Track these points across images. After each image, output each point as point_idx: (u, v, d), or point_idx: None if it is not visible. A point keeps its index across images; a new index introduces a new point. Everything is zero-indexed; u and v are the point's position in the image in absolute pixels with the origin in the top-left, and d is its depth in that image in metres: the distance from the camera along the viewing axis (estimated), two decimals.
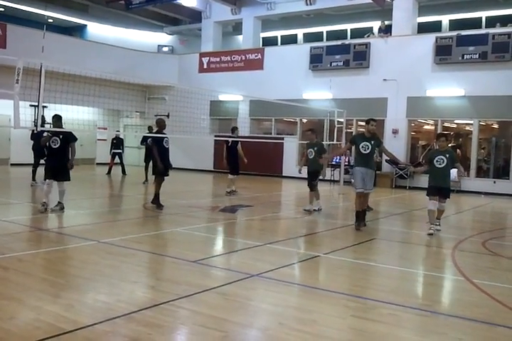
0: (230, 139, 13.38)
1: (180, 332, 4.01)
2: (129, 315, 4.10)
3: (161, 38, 26.58)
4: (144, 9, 22.23)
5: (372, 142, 8.77)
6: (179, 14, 24.66)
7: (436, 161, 8.47)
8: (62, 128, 9.35)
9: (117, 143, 18.78)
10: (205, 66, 23.01)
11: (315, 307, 4.62)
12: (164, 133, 10.38)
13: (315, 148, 11.04)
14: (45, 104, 9.41)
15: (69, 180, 9.43)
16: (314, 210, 10.92)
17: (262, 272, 5.58)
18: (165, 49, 26.28)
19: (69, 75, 13.32)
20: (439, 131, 17.33)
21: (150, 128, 15.58)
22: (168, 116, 19.96)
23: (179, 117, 15.52)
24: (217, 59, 22.68)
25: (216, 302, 4.56)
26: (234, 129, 13.95)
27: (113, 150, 18.73)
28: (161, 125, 10.38)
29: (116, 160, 18.68)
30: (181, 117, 15.60)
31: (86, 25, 25.83)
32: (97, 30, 25.71)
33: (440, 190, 8.54)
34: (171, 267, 5.91)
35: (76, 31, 25.62)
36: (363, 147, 8.76)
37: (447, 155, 8.49)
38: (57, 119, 9.27)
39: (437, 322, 4.48)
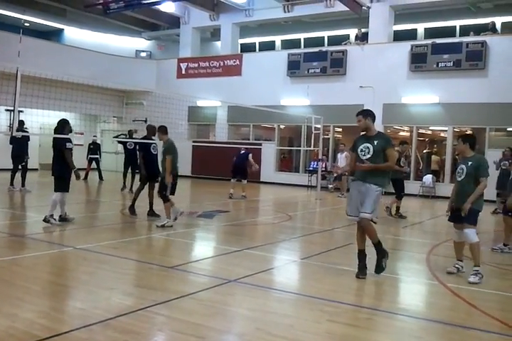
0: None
1: (157, 339, 4.00)
2: (105, 321, 4.08)
3: (139, 43, 26.50)
4: (122, 14, 22.15)
5: (376, 142, 6.04)
6: (157, 19, 24.63)
7: (457, 172, 6.36)
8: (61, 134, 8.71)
9: (94, 148, 18.63)
10: (183, 72, 23.01)
11: (292, 312, 4.66)
12: (153, 140, 10.34)
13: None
14: (21, 109, 9.25)
15: (57, 190, 8.67)
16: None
17: (240, 277, 5.60)
18: (143, 54, 26.21)
19: (45, 80, 13.20)
20: (414, 138, 17.63)
21: (130, 133, 15.47)
22: (145, 121, 19.91)
23: (157, 123, 15.37)
24: (196, 65, 22.70)
25: (193, 308, 4.56)
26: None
27: (90, 156, 18.57)
28: (150, 131, 10.33)
29: (93, 165, 18.52)
30: (159, 123, 15.46)
31: (63, 29, 25.61)
32: (74, 34, 25.51)
33: (457, 211, 6.23)
34: (148, 273, 5.89)
35: (53, 36, 25.37)
36: (362, 151, 6.13)
37: (470, 163, 6.19)
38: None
39: (412, 326, 4.55)
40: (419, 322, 4.59)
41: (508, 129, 17.48)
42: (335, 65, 18.96)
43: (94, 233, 8.34)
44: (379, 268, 5.98)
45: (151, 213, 10.01)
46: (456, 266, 6.30)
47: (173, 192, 9.09)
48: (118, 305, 4.57)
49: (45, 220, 8.55)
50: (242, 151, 14.60)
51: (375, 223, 5.98)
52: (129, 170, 14.93)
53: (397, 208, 11.47)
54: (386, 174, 6.17)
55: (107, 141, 23.15)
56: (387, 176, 6.21)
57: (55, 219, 8.62)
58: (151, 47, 26.77)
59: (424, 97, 17.19)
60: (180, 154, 21.85)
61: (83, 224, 8.87)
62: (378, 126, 18.00)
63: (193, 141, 21.00)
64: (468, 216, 6.02)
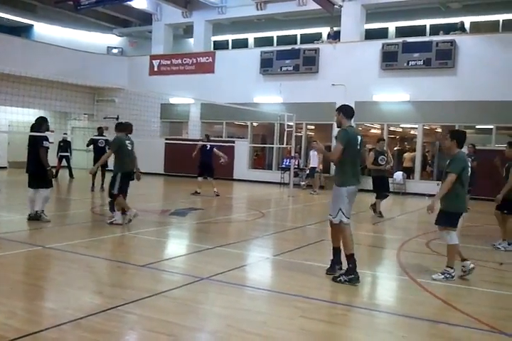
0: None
1: (129, 338, 3.98)
2: (75, 321, 4.03)
3: (111, 39, 26.17)
4: (93, 10, 21.82)
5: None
6: (129, 16, 24.36)
7: (468, 170, 6.00)
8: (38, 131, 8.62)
9: (64, 145, 18.33)
10: (155, 68, 22.82)
11: (264, 309, 4.68)
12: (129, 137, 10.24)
13: None
14: None
15: (32, 187, 8.68)
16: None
17: (212, 275, 5.59)
18: (114, 51, 25.89)
19: (14, 76, 12.96)
20: (385, 135, 17.82)
21: (100, 130, 15.26)
22: (117, 118, 19.68)
23: (129, 120, 15.30)
24: (168, 62, 22.55)
25: (165, 307, 4.54)
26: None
27: (60, 153, 18.27)
28: (128, 129, 10.21)
29: (64, 163, 18.24)
30: (131, 120, 15.33)
31: (33, 25, 25.10)
32: (44, 30, 25.02)
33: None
34: (119, 272, 5.83)
35: (23, 31, 24.81)
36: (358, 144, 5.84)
37: (448, 161, 6.05)
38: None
39: (383, 321, 4.62)
40: (390, 317, 4.66)
41: (477, 127, 17.85)
42: (307, 63, 19.05)
43: (65, 232, 8.22)
44: (336, 277, 5.65)
45: (123, 211, 9.90)
46: (461, 268, 5.99)
47: (121, 191, 8.80)
48: (88, 305, 4.52)
49: (36, 217, 8.61)
50: (207, 147, 14.44)
51: (341, 222, 5.74)
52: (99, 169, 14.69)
53: (373, 205, 11.40)
54: (342, 172, 5.78)
55: (77, 138, 22.84)
56: (343, 174, 5.75)
57: (46, 215, 8.69)
58: (122, 44, 26.47)
59: (395, 95, 17.41)
60: (153, 152, 21.87)
61: (53, 223, 8.72)
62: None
63: (166, 139, 20.87)
64: (437, 217, 5.98)
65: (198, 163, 14.50)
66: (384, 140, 12.43)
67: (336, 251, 6.01)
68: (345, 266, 5.72)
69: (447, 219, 5.92)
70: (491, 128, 16.54)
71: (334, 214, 5.77)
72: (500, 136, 16.80)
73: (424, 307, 4.86)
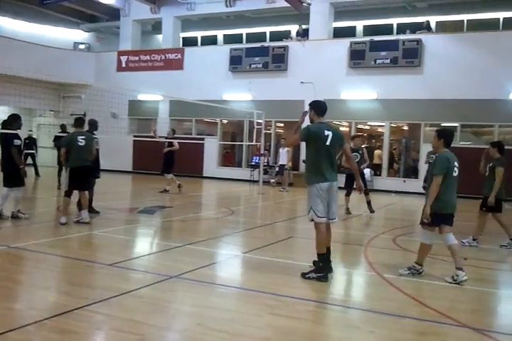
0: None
1: (96, 338, 3.93)
2: (41, 321, 3.96)
3: (77, 35, 25.72)
4: (60, 5, 21.43)
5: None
6: (96, 11, 24.00)
7: (455, 170, 5.80)
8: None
9: (30, 143, 17.95)
10: (123, 65, 22.55)
11: (233, 307, 4.68)
12: (94, 134, 10.09)
13: None
14: None
15: (11, 186, 8.56)
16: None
17: (181, 273, 5.57)
18: (81, 46, 25.44)
19: None
20: (353, 133, 18.00)
21: (63, 127, 14.95)
22: (84, 115, 19.36)
23: (96, 117, 15.08)
24: (136, 58, 22.31)
25: (133, 306, 4.50)
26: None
27: (25, 151, 17.86)
28: (92, 126, 10.08)
29: (29, 160, 17.86)
30: (99, 117, 15.16)
31: None
32: (8, 25, 24.39)
33: (452, 215, 5.89)
34: (86, 271, 5.74)
35: None
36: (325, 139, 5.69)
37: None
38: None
39: (351, 317, 4.68)
40: (357, 313, 4.73)
41: (442, 124, 18.18)
42: (276, 61, 19.11)
43: (30, 231, 8.07)
44: (305, 273, 5.65)
45: (91, 210, 9.78)
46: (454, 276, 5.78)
47: (70, 187, 8.69)
48: (54, 305, 4.45)
49: (13, 216, 8.56)
50: (165, 145, 14.26)
51: (312, 221, 5.72)
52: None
53: (368, 202, 11.33)
54: (308, 169, 5.84)
55: (43, 135, 22.40)
56: (309, 171, 5.79)
57: (23, 213, 8.67)
58: (89, 40, 26.04)
59: (363, 93, 17.61)
60: (121, 149, 21.59)
61: (18, 222, 8.55)
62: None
63: (134, 136, 20.66)
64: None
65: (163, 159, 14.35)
66: (359, 137, 12.36)
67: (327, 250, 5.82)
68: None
69: (435, 219, 5.72)
70: (456, 126, 16.88)
71: (307, 213, 5.74)
72: (465, 133, 17.19)
73: (391, 303, 4.94)
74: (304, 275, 5.66)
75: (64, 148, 8.88)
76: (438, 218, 5.72)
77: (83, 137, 8.78)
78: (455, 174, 5.76)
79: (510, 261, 7.49)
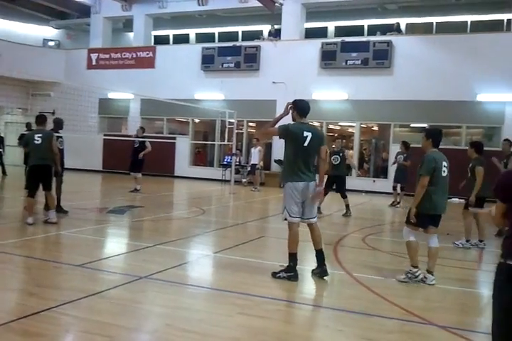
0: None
1: (62, 340, 3.87)
2: (6, 324, 3.88)
3: (47, 31, 25.25)
4: (30, 1, 21.01)
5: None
6: (67, 8, 23.61)
7: (444, 170, 5.77)
8: None
9: None
10: (93, 62, 22.27)
11: (203, 307, 4.68)
12: (59, 133, 9.91)
13: None
14: None
15: None
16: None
17: (151, 274, 5.53)
18: (51, 43, 25.00)
19: None
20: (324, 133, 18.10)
21: (28, 125, 14.65)
22: (53, 113, 19.03)
23: (66, 115, 14.83)
24: (107, 56, 22.04)
25: (102, 307, 4.45)
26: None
27: None
28: (58, 124, 9.91)
29: None
30: (68, 115, 14.94)
31: None
32: None
33: (439, 216, 5.86)
34: (54, 272, 5.66)
35: None
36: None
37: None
38: None
39: (320, 316, 4.74)
40: (327, 312, 4.78)
41: (412, 125, 18.48)
42: (248, 60, 19.13)
43: None
44: (275, 273, 5.70)
45: (59, 209, 9.64)
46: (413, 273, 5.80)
47: (30, 187, 8.46)
48: (21, 307, 4.38)
49: None
50: (136, 145, 14.11)
51: (285, 220, 5.73)
52: None
53: (346, 206, 11.31)
54: (284, 168, 5.93)
55: (10, 133, 21.93)
56: (285, 170, 5.88)
57: None
58: (59, 37, 25.61)
59: (334, 94, 17.75)
60: (90, 148, 21.30)
61: None
62: (290, 121, 18.41)
63: (104, 135, 20.41)
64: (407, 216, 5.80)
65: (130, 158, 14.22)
66: (339, 138, 12.14)
67: (317, 254, 5.83)
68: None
69: (422, 220, 5.68)
70: (425, 127, 17.15)
71: (282, 212, 5.75)
72: None
73: (359, 301, 5.00)
74: (274, 274, 5.68)
75: (23, 147, 8.71)
76: (426, 219, 5.68)
77: (40, 135, 8.48)
78: (444, 174, 5.71)
79: (476, 259, 7.65)
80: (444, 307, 5.03)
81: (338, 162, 11.22)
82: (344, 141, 11.78)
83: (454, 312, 4.99)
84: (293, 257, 5.69)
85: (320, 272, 5.76)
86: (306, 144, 5.61)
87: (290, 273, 5.62)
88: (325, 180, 6.50)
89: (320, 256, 5.79)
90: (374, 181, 17.54)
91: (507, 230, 2.52)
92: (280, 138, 5.75)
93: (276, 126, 5.87)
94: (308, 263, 6.11)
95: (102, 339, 3.73)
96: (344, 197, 11.35)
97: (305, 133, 5.62)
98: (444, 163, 5.73)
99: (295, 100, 5.89)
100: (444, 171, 5.72)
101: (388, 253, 7.58)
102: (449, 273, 6.21)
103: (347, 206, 11.32)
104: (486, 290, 5.42)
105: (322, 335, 4.18)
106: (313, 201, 5.83)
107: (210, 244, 7.90)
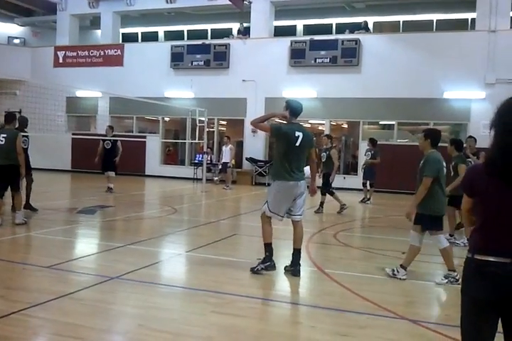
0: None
1: None
2: None
3: (12, 29, 24.66)
4: None
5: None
6: (32, 5, 23.09)
7: (445, 170, 5.77)
8: None
9: None
10: (60, 60, 21.86)
11: (175, 306, 4.65)
12: (26, 132, 9.71)
13: None
14: None
15: None
16: None
17: (122, 274, 5.47)
18: (16, 41, 24.45)
19: None
20: None
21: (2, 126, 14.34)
22: (20, 112, 18.63)
23: (33, 114, 14.55)
24: (74, 53, 21.68)
25: (72, 309, 4.38)
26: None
27: None
28: (22, 123, 9.70)
29: None
30: (35, 114, 14.66)
31: None
32: None
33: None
34: (22, 274, 5.55)
35: None
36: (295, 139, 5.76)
37: (421, 162, 5.80)
38: None
39: (293, 312, 4.76)
40: (299, 308, 4.81)
41: (381, 123, 18.72)
42: (218, 58, 19.06)
43: None
44: (252, 267, 5.82)
45: (28, 207, 9.48)
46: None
47: None
48: None
49: None
50: (109, 146, 13.81)
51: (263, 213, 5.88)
52: None
53: (321, 203, 11.36)
54: (274, 166, 6.07)
55: None
56: (274, 168, 6.01)
57: None
58: (25, 34, 25.04)
59: (303, 92, 17.80)
60: (58, 147, 20.92)
61: None
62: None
63: (73, 134, 20.08)
64: (418, 220, 5.66)
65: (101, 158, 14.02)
66: (326, 136, 12.06)
67: (294, 252, 5.90)
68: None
69: (431, 222, 5.61)
70: (393, 124, 17.41)
71: (263, 205, 5.90)
72: (401, 131, 17.76)
73: (332, 297, 5.05)
74: (252, 269, 5.77)
75: None
76: (438, 219, 5.64)
77: (4, 135, 8.30)
78: (444, 174, 5.76)
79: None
80: (415, 301, 5.11)
81: (324, 159, 11.41)
82: (330, 138, 11.89)
83: (426, 306, 5.08)
84: (268, 247, 5.82)
85: (293, 271, 5.80)
86: (297, 144, 5.73)
87: (266, 263, 5.74)
88: (317, 179, 6.64)
89: (297, 255, 5.85)
90: (344, 178, 17.70)
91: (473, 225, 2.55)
92: (272, 136, 5.85)
93: (266, 123, 6.01)
94: (283, 260, 6.12)
95: None
96: (323, 194, 11.42)
97: (296, 133, 5.75)
98: (444, 164, 5.75)
99: (288, 100, 6.01)
100: (444, 171, 5.77)
101: (359, 249, 7.66)
102: (421, 268, 6.30)
103: (321, 203, 11.38)
104: (456, 285, 5.53)
105: (295, 332, 4.21)
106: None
107: (183, 243, 7.85)
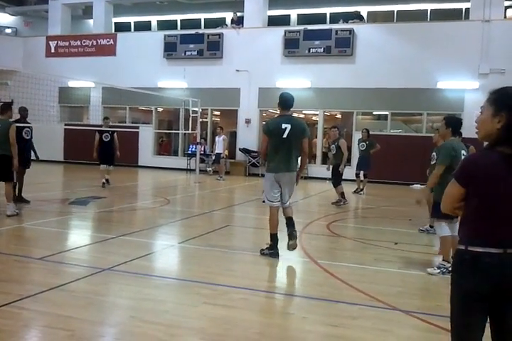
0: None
1: (23, 335, 3.76)
2: None
3: (3, 18, 24.39)
4: None
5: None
6: None
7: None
8: None
9: None
10: (52, 50, 21.68)
11: (168, 298, 4.64)
12: (28, 123, 9.66)
13: None
14: None
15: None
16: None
17: (114, 265, 5.46)
18: (8, 31, 24.18)
19: None
20: None
21: None
22: (12, 103, 18.47)
23: (25, 104, 14.43)
24: (66, 43, 21.49)
25: (63, 301, 4.36)
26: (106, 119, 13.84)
27: None
28: (22, 113, 9.64)
29: None
30: (27, 104, 14.54)
31: None
32: None
33: None
34: (13, 266, 5.50)
35: None
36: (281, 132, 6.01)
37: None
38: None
39: (285, 303, 4.77)
40: (291, 299, 4.82)
41: (374, 113, 18.70)
42: (212, 48, 18.94)
43: None
44: (262, 249, 6.25)
45: (20, 199, 9.44)
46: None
47: None
48: None
49: None
50: (108, 138, 13.21)
51: (263, 202, 6.35)
52: None
53: (341, 194, 11.19)
54: (267, 158, 6.19)
55: None
56: (267, 160, 6.19)
57: None
58: (16, 24, 24.76)
59: (297, 82, 17.75)
60: (51, 138, 20.82)
61: None
62: (254, 110, 18.41)
63: (65, 124, 19.96)
64: (432, 209, 5.82)
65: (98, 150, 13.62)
66: (333, 127, 11.90)
67: (287, 220, 6.25)
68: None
69: (436, 209, 5.49)
70: (387, 115, 17.40)
71: (261, 195, 6.41)
72: (395, 121, 17.75)
73: (324, 288, 5.06)
74: (261, 251, 6.21)
75: None
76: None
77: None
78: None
79: (437, 244, 7.82)
80: (406, 292, 5.13)
81: (334, 152, 11.26)
82: (338, 129, 11.62)
83: (417, 297, 5.10)
84: (273, 237, 6.19)
85: (289, 234, 6.13)
86: (285, 136, 5.94)
87: (271, 250, 6.14)
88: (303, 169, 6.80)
89: (289, 221, 6.19)
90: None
91: (462, 215, 2.53)
92: (267, 135, 6.09)
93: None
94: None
95: (64, 333, 3.66)
96: (336, 186, 11.25)
97: (283, 126, 5.95)
98: (463, 152, 5.65)
99: (280, 93, 6.24)
100: (460, 159, 5.58)
101: (352, 240, 7.67)
102: (411, 259, 6.32)
103: (342, 194, 11.16)
104: (447, 275, 5.55)
105: (287, 323, 4.21)
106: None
107: (175, 234, 7.84)
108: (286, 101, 6.13)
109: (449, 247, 5.59)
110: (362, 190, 13.81)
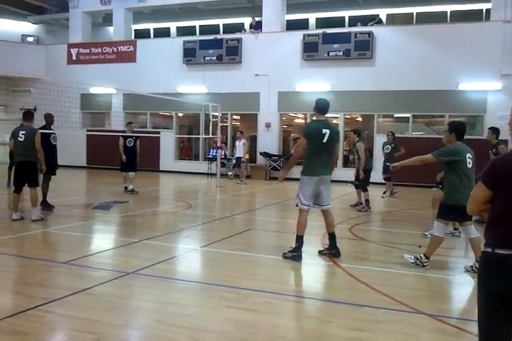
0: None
1: (49, 339, 3.82)
2: None
3: (25, 27, 24.85)
4: None
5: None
6: (44, 2, 23.27)
7: (469, 162, 5.76)
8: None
9: None
10: (74, 57, 21.98)
11: (191, 301, 4.65)
12: (52, 129, 9.82)
13: None
14: None
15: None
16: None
17: (138, 269, 5.49)
18: (30, 39, 24.62)
19: None
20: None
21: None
22: (35, 109, 18.78)
23: (48, 111, 14.68)
24: (87, 50, 21.78)
25: (88, 304, 4.40)
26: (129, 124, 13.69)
27: None
28: (48, 120, 9.80)
29: None
30: (50, 111, 14.74)
31: None
32: None
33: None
34: (39, 270, 5.58)
35: None
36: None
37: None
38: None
39: (309, 307, 4.73)
40: (316, 303, 4.78)
41: (395, 115, 18.56)
42: (231, 53, 19.02)
43: None
44: (284, 253, 6.24)
45: (45, 204, 9.57)
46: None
47: (15, 184, 8.57)
48: (6, 306, 4.32)
49: None
50: (131, 144, 13.05)
51: (296, 206, 6.35)
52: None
53: (366, 200, 10.99)
54: (304, 162, 6.32)
55: None
56: (304, 164, 6.30)
57: None
58: (38, 32, 25.22)
59: (317, 85, 17.71)
60: (74, 144, 21.08)
61: None
62: (274, 113, 18.42)
63: (88, 130, 20.20)
64: (438, 209, 5.98)
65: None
66: (352, 131, 11.82)
67: (330, 236, 6.43)
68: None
69: (441, 210, 5.84)
70: (408, 117, 17.25)
71: (295, 198, 6.40)
72: (416, 124, 17.60)
73: (348, 292, 5.01)
74: (283, 255, 6.19)
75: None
76: (451, 209, 5.63)
77: (23, 132, 8.44)
78: (469, 166, 5.74)
79: (460, 247, 7.71)
80: (431, 295, 5.06)
81: (357, 155, 11.12)
82: (357, 133, 11.50)
83: (442, 300, 5.03)
84: (299, 239, 6.20)
85: (333, 253, 6.30)
86: (325, 141, 6.12)
87: (295, 252, 6.12)
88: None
89: (333, 238, 6.36)
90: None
91: (488, 217, 2.50)
92: (305, 138, 6.20)
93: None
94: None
95: (90, 337, 3.69)
96: (363, 190, 11.09)
97: (323, 131, 6.13)
98: (469, 155, 5.75)
99: (316, 99, 6.50)
100: (469, 163, 5.75)
101: (375, 243, 7.61)
102: (436, 262, 6.24)
103: (366, 201, 10.99)
104: (467, 278, 5.50)
105: (312, 327, 4.18)
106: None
107: (197, 238, 7.86)
108: (323, 106, 6.36)
109: (436, 247, 5.88)
110: (385, 192, 13.70)
